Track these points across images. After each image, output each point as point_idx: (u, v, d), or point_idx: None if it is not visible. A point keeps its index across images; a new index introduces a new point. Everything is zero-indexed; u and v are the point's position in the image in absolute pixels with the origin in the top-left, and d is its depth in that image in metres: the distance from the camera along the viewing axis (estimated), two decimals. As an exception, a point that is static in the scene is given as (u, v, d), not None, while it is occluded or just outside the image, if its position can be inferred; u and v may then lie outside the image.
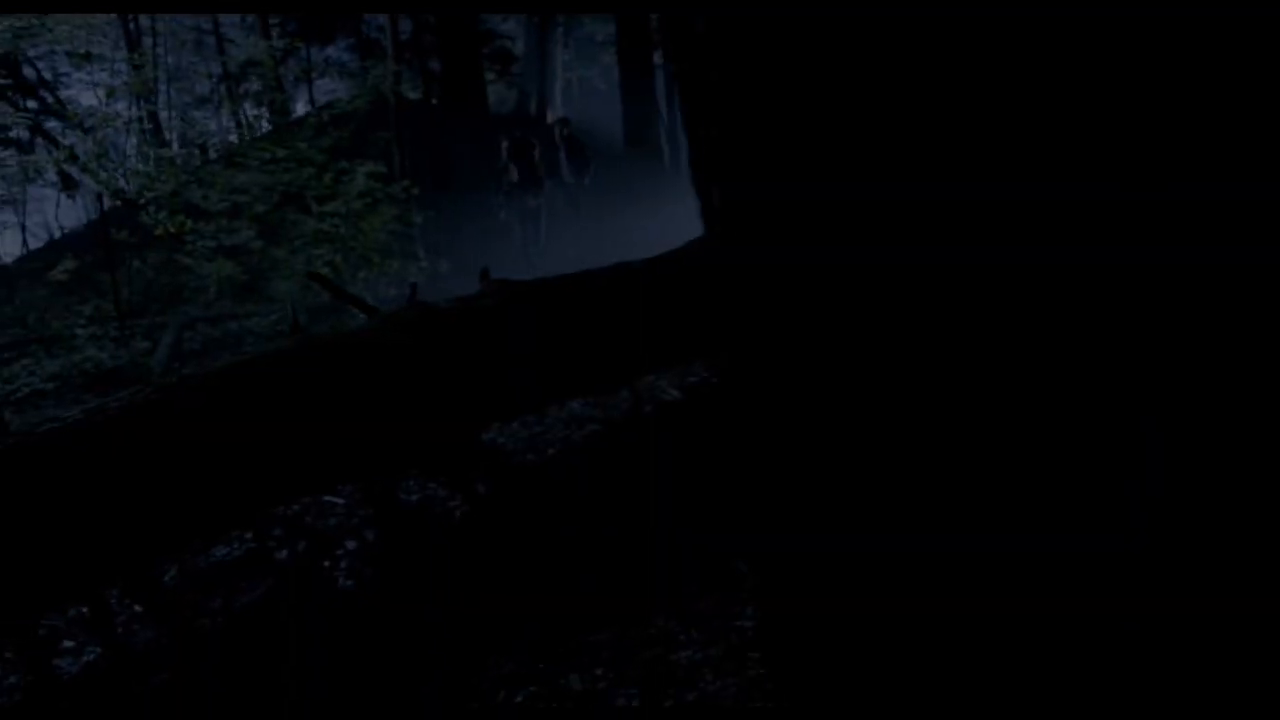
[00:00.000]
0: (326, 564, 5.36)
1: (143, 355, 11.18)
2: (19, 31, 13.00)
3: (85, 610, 4.95)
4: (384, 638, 4.53)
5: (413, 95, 16.59)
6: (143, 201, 11.51)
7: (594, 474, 6.22)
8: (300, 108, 20.82)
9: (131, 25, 21.41)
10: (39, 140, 17.17)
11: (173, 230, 11.47)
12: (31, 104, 15.72)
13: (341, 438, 5.17)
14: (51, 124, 14.63)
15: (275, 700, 4.21)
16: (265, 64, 14.57)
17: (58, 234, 21.12)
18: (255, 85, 20.75)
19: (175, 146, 17.62)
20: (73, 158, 11.77)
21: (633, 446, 6.57)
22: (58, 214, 21.07)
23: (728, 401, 1.88)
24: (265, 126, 20.32)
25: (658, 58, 21.50)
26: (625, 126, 21.13)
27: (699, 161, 1.79)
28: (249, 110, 21.96)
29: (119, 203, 12.77)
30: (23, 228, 20.77)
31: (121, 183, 11.42)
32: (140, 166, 12.08)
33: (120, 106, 23.25)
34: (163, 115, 22.64)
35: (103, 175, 11.70)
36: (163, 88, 22.26)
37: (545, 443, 6.84)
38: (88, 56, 14.97)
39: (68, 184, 17.86)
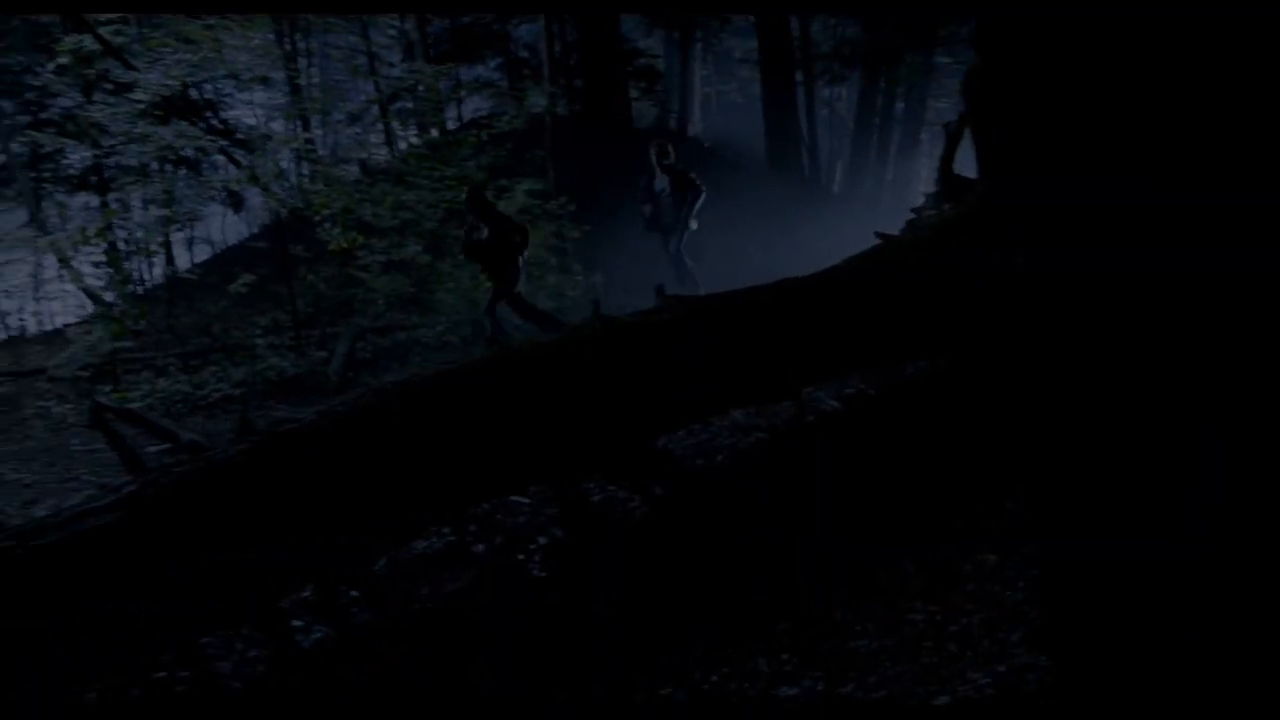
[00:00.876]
0: (520, 558, 5.82)
1: (319, 364, 11.84)
2: (199, 63, 13.88)
3: (311, 594, 5.47)
4: (574, 624, 4.94)
5: (558, 112, 17.10)
6: (318, 219, 12.18)
7: (762, 480, 6.57)
8: (448, 124, 21.47)
9: (288, 46, 22.28)
10: (205, 160, 18.09)
11: (345, 246, 12.13)
12: (198, 125, 16.53)
13: (530, 442, 5.60)
14: (215, 144, 15.40)
15: (479, 674, 4.65)
16: (428, 85, 15.20)
17: (222, 248, 22.13)
18: (407, 104, 21.44)
19: (331, 164, 18.30)
20: (253, 179, 12.49)
21: (797, 455, 6.90)
22: (223, 229, 22.06)
23: (966, 406, 2.11)
24: (414, 143, 21.07)
25: (799, 75, 21.85)
26: (767, 142, 21.46)
27: (989, 162, 1.94)
28: (398, 128, 22.77)
29: (283, 218, 13.47)
30: (190, 242, 21.86)
31: (296, 200, 12.10)
32: (310, 185, 12.73)
33: (277, 125, 24.26)
34: (317, 133, 23.54)
35: (279, 193, 12.40)
36: (317, 107, 23.12)
37: (713, 449, 7.25)
38: (265, 80, 15.75)
39: (236, 201, 18.75)
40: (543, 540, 6.00)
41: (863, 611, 4.73)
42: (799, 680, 4.29)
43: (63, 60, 13.95)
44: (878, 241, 8.06)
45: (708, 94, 28.72)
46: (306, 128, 23.15)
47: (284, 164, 13.71)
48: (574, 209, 13.15)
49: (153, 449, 9.18)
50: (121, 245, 13.73)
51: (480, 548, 6.01)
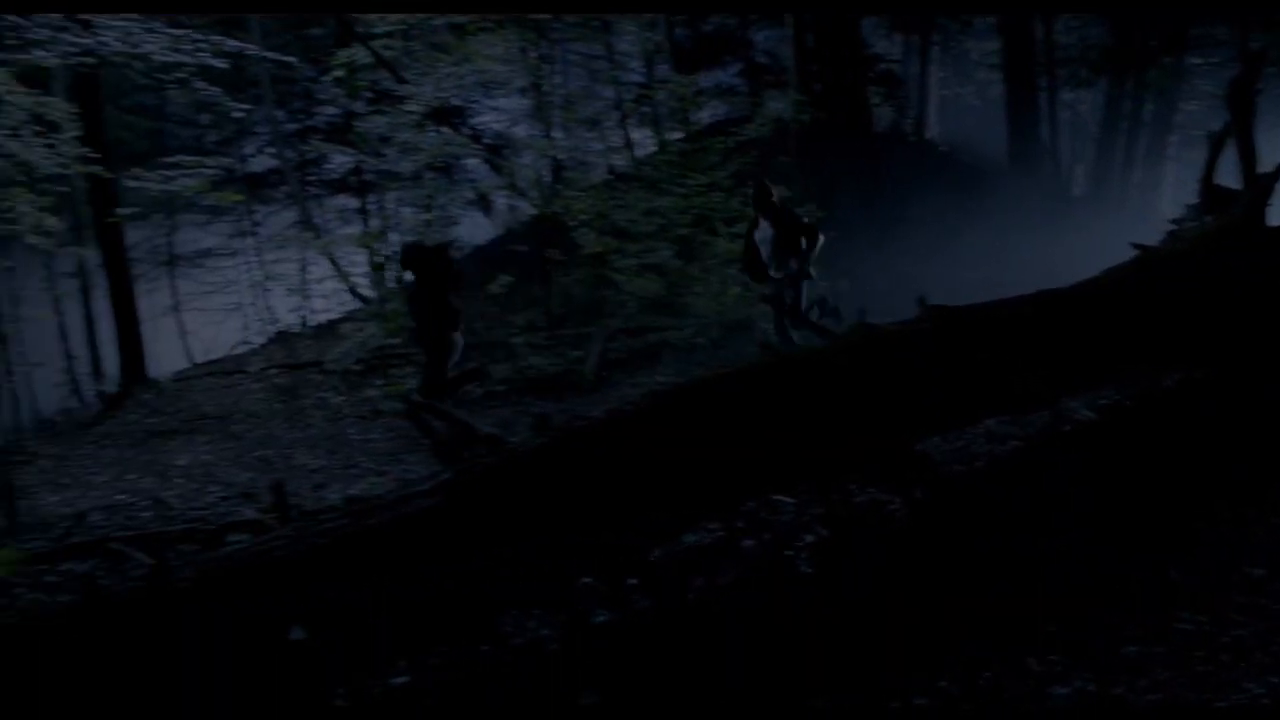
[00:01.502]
0: (789, 553, 6.11)
1: (575, 363, 12.38)
2: (458, 73, 14.66)
3: (594, 581, 5.86)
4: (843, 618, 5.19)
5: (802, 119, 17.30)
6: (574, 224, 12.73)
7: (1020, 487, 6.71)
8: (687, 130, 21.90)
9: (533, 53, 22.99)
10: (457, 165, 18.90)
11: (600, 250, 12.64)
12: (461, 133, 17.31)
13: (797, 444, 5.87)
14: (479, 152, 16.14)
15: (748, 663, 4.94)
16: (678, 92, 15.62)
17: (469, 249, 23.05)
18: (647, 109, 21.91)
19: (578, 170, 18.86)
20: (512, 185, 13.12)
21: (1053, 464, 7.01)
22: (472, 231, 22.95)
23: None
24: (655, 149, 21.57)
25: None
26: (1009, 145, 21.26)
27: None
28: (641, 133, 23.29)
29: (539, 222, 14.04)
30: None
31: (555, 206, 12.66)
32: (565, 190, 13.27)
33: (519, 130, 25.11)
34: (558, 138, 24.31)
35: (536, 199, 12.99)
36: (557, 113, 23.86)
37: (969, 455, 7.41)
38: (527, 90, 16.44)
39: (486, 205, 19.53)
40: (809, 538, 6.26)
41: (1129, 618, 4.86)
42: (1070, 680, 4.46)
43: (338, 73, 14.92)
44: (1135, 252, 8.09)
45: (944, 97, 28.45)
46: (549, 134, 23.96)
47: (540, 171, 14.29)
48: (823, 216, 13.37)
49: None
50: (386, 247, 14.51)
51: (749, 543, 6.30)
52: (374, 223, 23.75)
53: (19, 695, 3.99)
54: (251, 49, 11.90)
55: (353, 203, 24.99)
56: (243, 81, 11.76)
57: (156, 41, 9.58)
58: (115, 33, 9.40)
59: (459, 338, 10.26)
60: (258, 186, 22.90)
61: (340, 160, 24.11)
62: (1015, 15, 21.05)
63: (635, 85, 24.06)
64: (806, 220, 10.80)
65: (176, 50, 9.72)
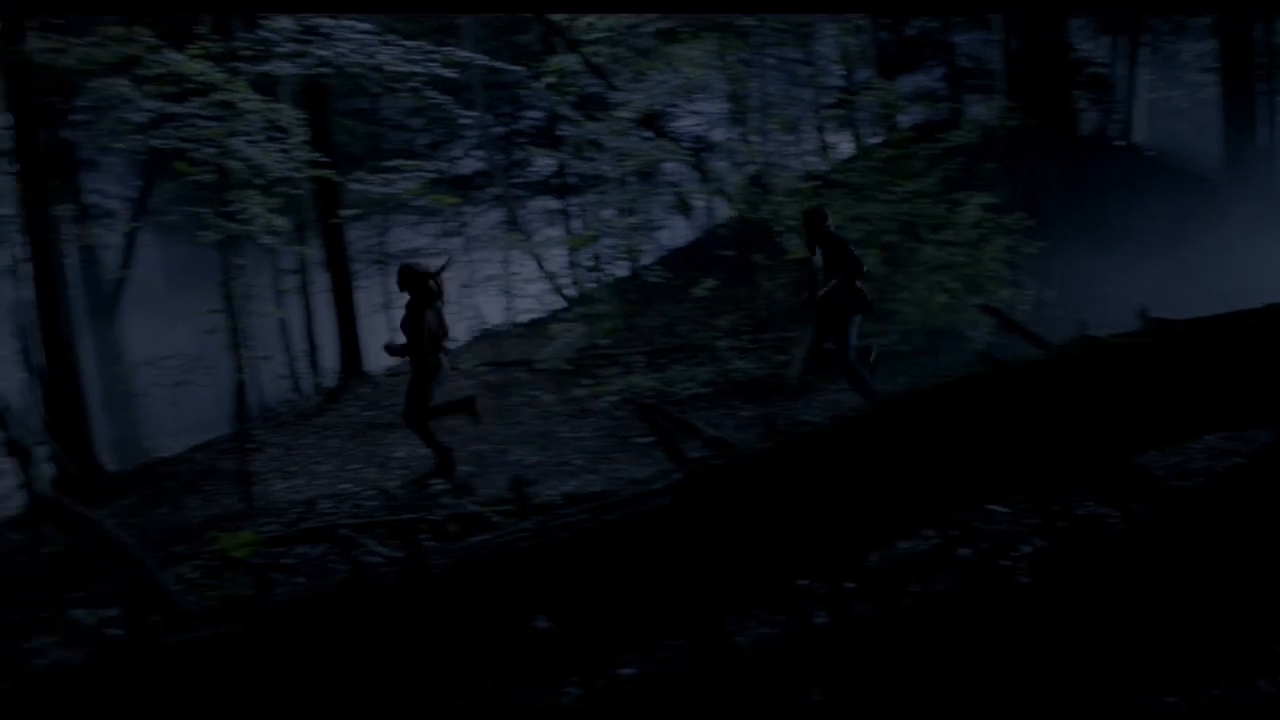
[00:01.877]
0: (1005, 564, 6.15)
1: (778, 367, 12.52)
2: (663, 78, 14.95)
3: (813, 584, 5.99)
4: (1061, 629, 5.22)
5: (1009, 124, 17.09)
6: (779, 229, 12.86)
7: (1242, 505, 6.60)
8: (885, 135, 21.84)
9: (733, 58, 23.17)
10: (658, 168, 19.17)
11: (806, 255, 12.73)
12: (669, 138, 17.58)
13: (1018, 455, 5.90)
14: (688, 157, 16.37)
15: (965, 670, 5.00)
16: (882, 96, 15.64)
17: (666, 252, 23.40)
18: (844, 113, 21.93)
19: (776, 175, 18.97)
20: (719, 190, 13.32)
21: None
22: (670, 233, 23.28)
23: None
24: (850, 152, 21.57)
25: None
26: (1225, 151, 20.63)
27: None
28: (841, 137, 23.33)
29: (727, 224, 14.17)
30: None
31: (763, 212, 12.80)
32: (770, 195, 13.39)
33: (716, 134, 25.34)
34: (754, 142, 24.50)
35: (744, 204, 13.16)
36: (756, 116, 24.04)
37: (1188, 470, 7.32)
38: (725, 93, 16.65)
39: (685, 209, 19.77)
40: (1025, 549, 6.29)
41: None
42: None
43: (549, 79, 15.37)
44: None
45: (1152, 100, 27.71)
46: (747, 138, 24.14)
47: (742, 175, 14.45)
48: (1032, 224, 13.24)
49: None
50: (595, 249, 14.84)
51: (965, 552, 6.36)
52: (576, 224, 24.41)
53: (295, 664, 4.32)
54: (481, 59, 12.30)
55: (554, 204, 25.66)
56: (454, 86, 12.19)
57: (389, 52, 10.06)
58: (351, 44, 9.89)
59: (444, 360, 10.90)
60: (465, 188, 23.62)
61: (544, 163, 24.79)
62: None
63: (835, 89, 24.13)
64: (854, 251, 10.48)
65: (409, 60, 10.19)
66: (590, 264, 15.04)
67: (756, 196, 13.27)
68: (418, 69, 10.32)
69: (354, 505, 9.46)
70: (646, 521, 5.00)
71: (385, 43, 10.12)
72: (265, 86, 11.82)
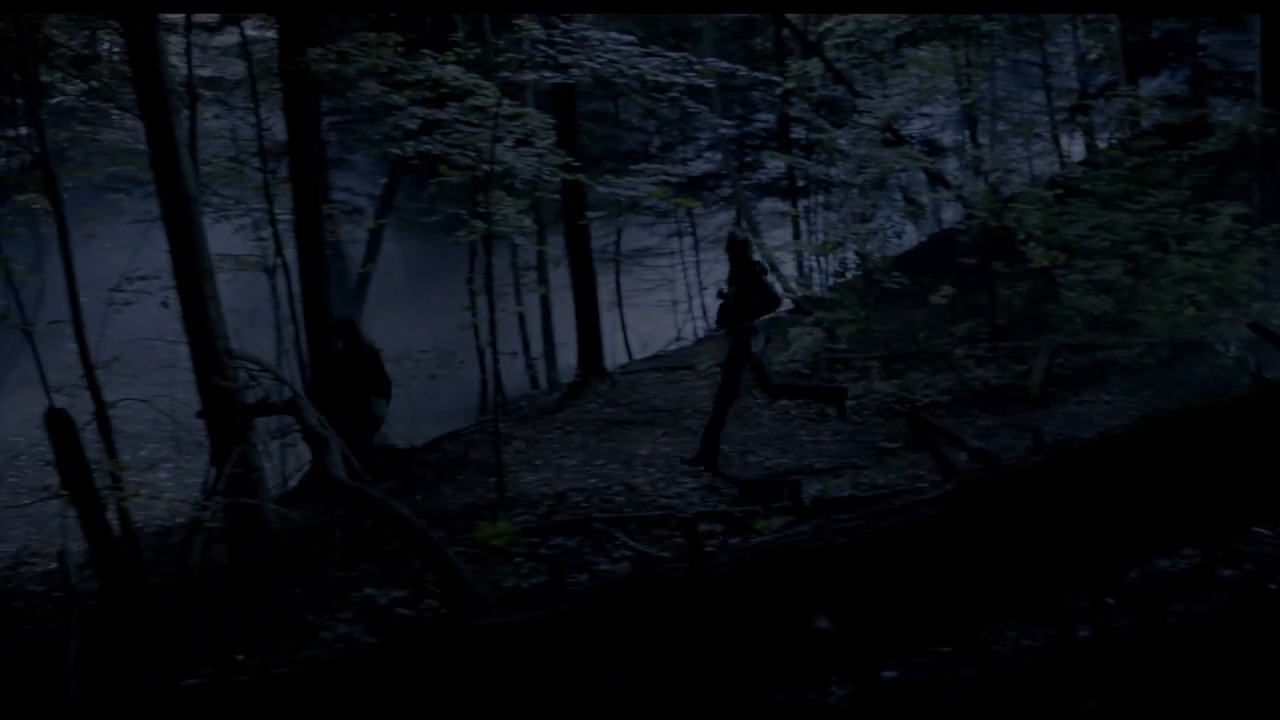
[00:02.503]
0: (1272, 587, 6.08)
1: (1018, 377, 12.45)
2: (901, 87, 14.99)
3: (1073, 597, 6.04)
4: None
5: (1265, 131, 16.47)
6: (1021, 237, 12.78)
7: None
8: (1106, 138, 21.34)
9: (964, 60, 22.93)
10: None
11: (1047, 264, 12.65)
12: (910, 145, 17.52)
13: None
14: (929, 164, 16.36)
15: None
16: (1130, 102, 15.34)
17: (894, 254, 23.32)
18: (1080, 116, 21.48)
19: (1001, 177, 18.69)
20: (959, 198, 13.32)
21: None
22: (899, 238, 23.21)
23: None
24: (1084, 156, 21.11)
25: None
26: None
27: None
28: (1074, 140, 22.85)
29: (963, 230, 14.10)
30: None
31: (1007, 220, 12.73)
32: (1016, 204, 13.27)
33: (945, 137, 25.12)
34: (983, 144, 24.21)
35: (985, 211, 13.11)
36: (986, 119, 23.77)
37: None
38: (954, 95, 16.58)
39: (918, 214, 19.67)
40: (1296, 573, 6.21)
41: None
42: None
43: (790, 83, 15.57)
44: None
45: None
46: (975, 142, 23.87)
47: (985, 181, 14.37)
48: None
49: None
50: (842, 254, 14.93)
51: (1228, 573, 6.31)
52: (805, 227, 24.54)
53: (594, 650, 4.64)
54: (742, 70, 12.58)
55: (783, 206, 25.85)
56: (691, 90, 12.46)
57: (648, 63, 10.40)
58: (614, 54, 10.26)
59: (384, 405, 11.90)
60: (696, 189, 23.97)
61: (773, 165, 25.01)
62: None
63: (1070, 90, 23.68)
64: (770, 281, 11.33)
65: (671, 72, 10.51)
66: (836, 268, 15.09)
67: (997, 203, 13.19)
68: (679, 79, 10.63)
69: (603, 499, 9.78)
70: (918, 530, 5.16)
71: (648, 55, 10.45)
72: (513, 91, 12.34)
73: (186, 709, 4.74)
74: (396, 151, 11.47)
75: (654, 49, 10.57)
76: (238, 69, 21.64)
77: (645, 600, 4.81)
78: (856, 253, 13.84)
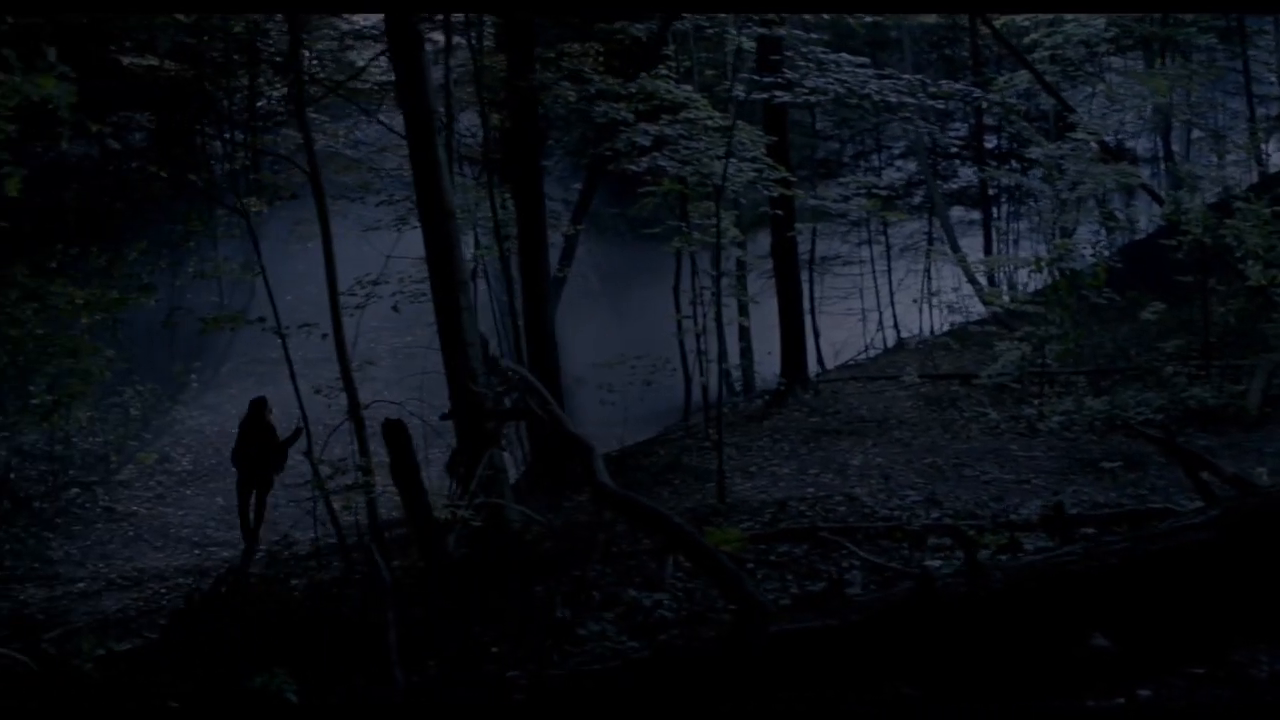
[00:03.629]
0: None
1: (1234, 396, 12.29)
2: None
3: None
4: None
5: None
6: (1240, 254, 12.61)
7: None
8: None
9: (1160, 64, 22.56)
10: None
11: (1264, 283, 12.45)
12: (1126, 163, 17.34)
13: None
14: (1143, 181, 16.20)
15: None
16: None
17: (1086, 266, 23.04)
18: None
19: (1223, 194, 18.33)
20: (1174, 215, 13.20)
21: None
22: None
23: None
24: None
25: None
26: None
27: None
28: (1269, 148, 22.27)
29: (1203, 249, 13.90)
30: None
31: (1226, 237, 12.53)
32: (1232, 221, 13.05)
33: (1136, 145, 24.72)
34: (1176, 151, 23.85)
35: (1197, 228, 12.95)
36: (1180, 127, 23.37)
37: None
38: (1147, 104, 16.37)
39: (1115, 226, 19.44)
40: None
41: None
42: None
43: (995, 96, 15.64)
44: None
45: None
46: (1169, 153, 23.50)
47: (1201, 197, 14.16)
48: None
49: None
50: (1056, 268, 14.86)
51: None
52: (995, 236, 24.45)
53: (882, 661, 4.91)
54: (944, 83, 12.72)
55: (970, 214, 25.79)
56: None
57: (880, 84, 10.61)
58: (848, 75, 10.51)
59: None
60: (889, 198, 24.06)
61: (965, 174, 25.00)
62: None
63: (1270, 98, 23.12)
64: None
65: (899, 93, 10.72)
66: (1029, 280, 15.05)
67: (1212, 220, 13.01)
68: (909, 99, 10.82)
69: (825, 509, 9.98)
70: (1188, 553, 5.31)
71: (882, 77, 10.66)
72: (720, 104, 12.67)
73: (509, 700, 5.14)
74: (632, 168, 11.89)
75: (889, 71, 10.79)
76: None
77: (926, 612, 5.07)
78: (1062, 270, 13.75)
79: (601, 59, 15.57)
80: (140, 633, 10.51)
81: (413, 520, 8.53)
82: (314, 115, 22.08)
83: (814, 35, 11.34)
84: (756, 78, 11.23)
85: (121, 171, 24.62)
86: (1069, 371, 14.35)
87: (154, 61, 23.51)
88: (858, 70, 10.38)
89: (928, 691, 4.86)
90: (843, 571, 8.15)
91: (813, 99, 11.10)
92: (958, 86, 13.26)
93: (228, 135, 26.13)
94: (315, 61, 20.89)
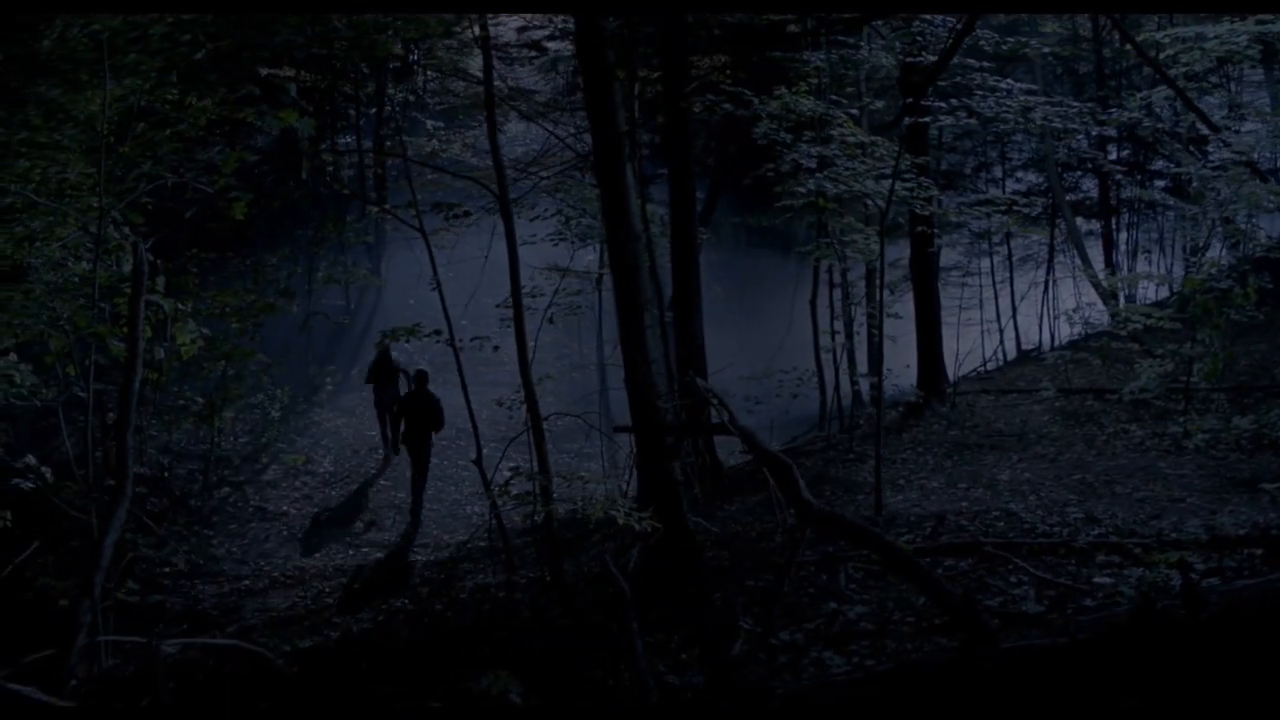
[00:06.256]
0: None
1: (1389, 417, 12.32)
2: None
3: None
4: None
5: None
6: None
7: None
8: None
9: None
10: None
11: None
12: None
13: None
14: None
15: None
16: None
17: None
18: None
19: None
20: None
21: None
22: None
23: None
24: None
25: None
26: None
27: None
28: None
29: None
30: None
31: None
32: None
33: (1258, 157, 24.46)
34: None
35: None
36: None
37: None
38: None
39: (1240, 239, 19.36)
40: None
41: None
42: None
43: (1135, 114, 15.71)
44: None
45: None
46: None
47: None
48: None
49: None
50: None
51: None
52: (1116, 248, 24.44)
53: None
54: (1074, 103, 12.86)
55: (1089, 225, 25.78)
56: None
57: (1043, 110, 10.84)
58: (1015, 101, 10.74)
59: None
60: (1009, 209, 24.12)
61: (1087, 186, 25.02)
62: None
63: None
64: None
65: (1063, 117, 10.94)
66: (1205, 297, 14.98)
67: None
68: (1075, 126, 11.02)
69: (984, 524, 10.19)
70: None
71: (1051, 102, 10.88)
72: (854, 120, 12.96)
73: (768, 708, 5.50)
74: (800, 190, 12.20)
75: (1058, 99, 10.99)
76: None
77: (1147, 634, 5.35)
78: (1212, 288, 13.78)
79: (728, 72, 15.96)
80: (319, 630, 11.00)
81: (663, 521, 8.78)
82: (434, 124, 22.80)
83: (970, 61, 11.59)
84: (941, 104, 11.40)
85: (261, 178, 25.45)
86: (1209, 388, 14.40)
87: (290, 72, 24.34)
88: (1028, 97, 10.62)
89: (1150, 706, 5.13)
90: (1010, 587, 8.41)
91: (974, 123, 11.31)
92: (1127, 115, 13.42)
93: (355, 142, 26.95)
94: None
